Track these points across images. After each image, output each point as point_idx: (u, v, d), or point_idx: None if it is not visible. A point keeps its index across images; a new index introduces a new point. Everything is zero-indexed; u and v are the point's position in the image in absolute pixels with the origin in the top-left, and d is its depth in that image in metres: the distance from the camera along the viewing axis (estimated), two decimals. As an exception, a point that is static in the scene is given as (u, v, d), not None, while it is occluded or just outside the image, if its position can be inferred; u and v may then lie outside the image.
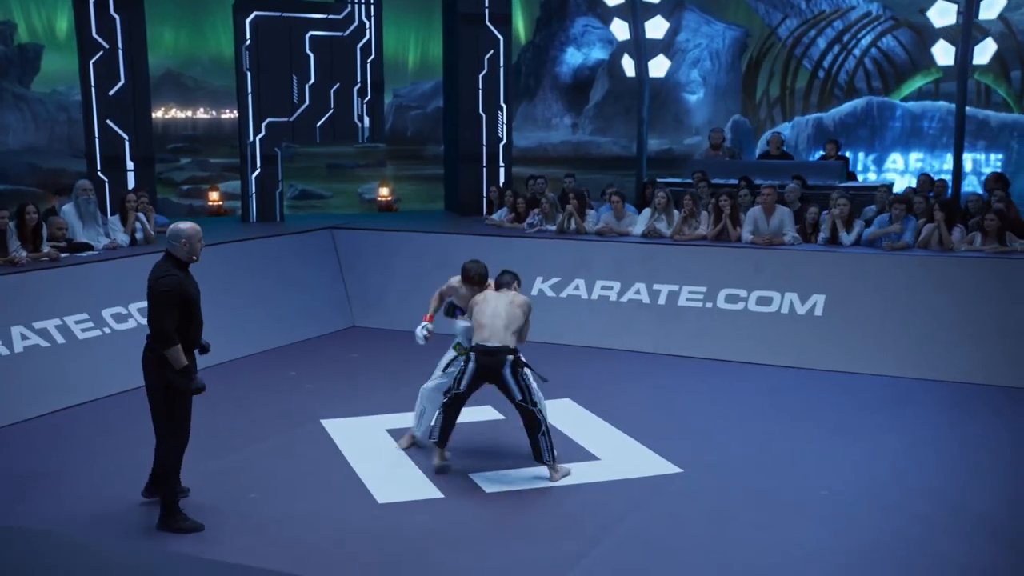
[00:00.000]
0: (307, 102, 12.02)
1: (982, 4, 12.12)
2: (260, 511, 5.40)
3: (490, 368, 5.84)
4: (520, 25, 21.26)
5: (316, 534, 5.10)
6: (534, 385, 5.91)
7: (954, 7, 12.41)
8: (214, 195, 14.20)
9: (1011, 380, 8.02)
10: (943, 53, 12.76)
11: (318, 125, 12.13)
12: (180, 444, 5.15)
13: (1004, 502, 5.54)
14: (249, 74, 11.65)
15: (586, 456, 6.38)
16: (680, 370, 8.69)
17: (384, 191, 16.18)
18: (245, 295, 9.75)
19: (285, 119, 11.97)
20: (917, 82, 17.83)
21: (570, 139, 21.87)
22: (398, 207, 16.48)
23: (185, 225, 5.14)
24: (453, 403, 5.98)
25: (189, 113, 18.94)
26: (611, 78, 21.01)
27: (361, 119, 12.40)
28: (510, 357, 5.83)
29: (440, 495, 5.63)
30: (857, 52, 20.37)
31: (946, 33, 12.93)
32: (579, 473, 6.04)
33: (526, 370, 5.89)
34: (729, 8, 20.50)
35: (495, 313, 5.96)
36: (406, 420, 7.08)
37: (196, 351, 5.21)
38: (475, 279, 6.27)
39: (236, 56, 11.79)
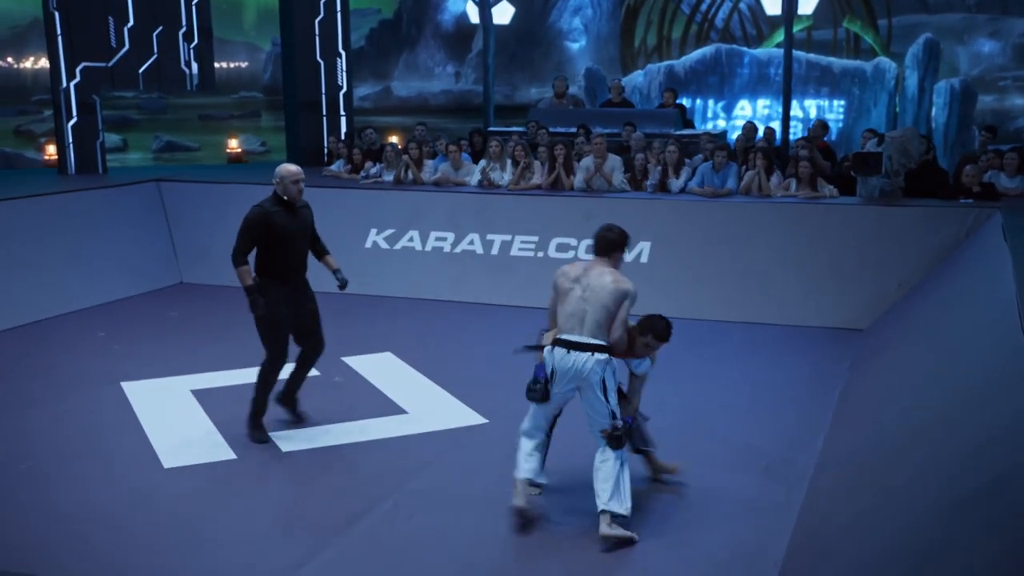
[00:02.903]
0: (127, 46, 11.35)
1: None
2: (35, 479, 5.14)
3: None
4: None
5: (87, 502, 4.88)
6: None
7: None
8: (51, 148, 13.40)
9: (816, 321, 8.41)
10: (771, 3, 13.08)
11: (141, 71, 11.49)
12: (271, 363, 5.61)
13: (774, 435, 5.82)
14: (57, 14, 10.88)
15: (395, 410, 6.35)
16: (508, 320, 8.72)
17: (233, 143, 15.76)
18: (58, 252, 9.24)
19: (103, 64, 11.27)
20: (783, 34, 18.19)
21: (452, 88, 21.44)
22: (248, 159, 16.02)
23: (284, 166, 5.66)
24: None
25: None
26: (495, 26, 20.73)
27: (189, 65, 11.82)
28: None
29: (233, 456, 5.48)
30: (733, -4, 20.63)
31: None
32: (383, 428, 6.00)
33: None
34: (612, -47, 20.24)
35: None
36: (214, 380, 6.90)
37: (287, 281, 5.61)
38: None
39: (43, -6, 11.00)
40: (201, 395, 6.51)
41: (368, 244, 10.16)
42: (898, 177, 9.32)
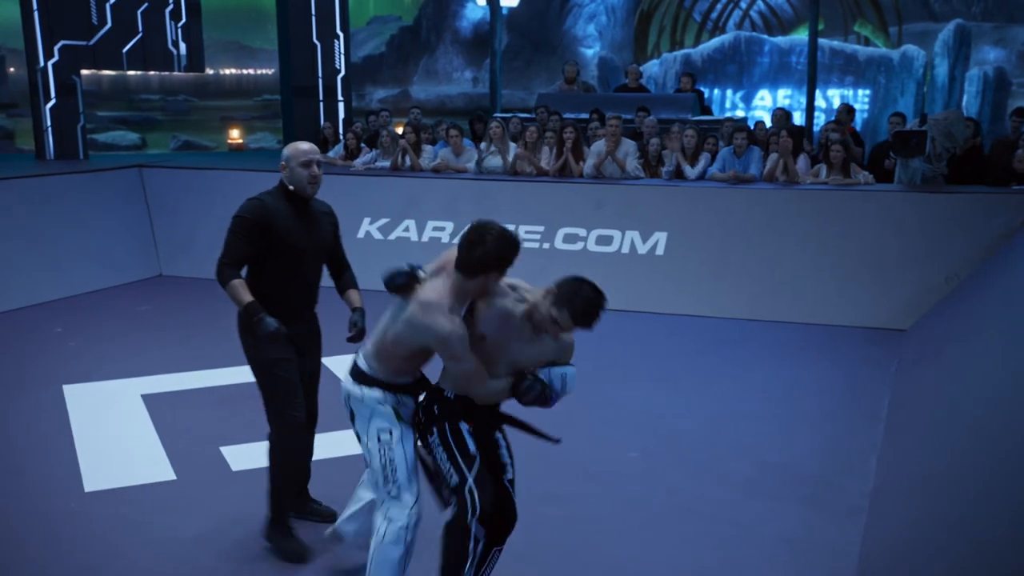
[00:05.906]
0: (109, 24, 10.61)
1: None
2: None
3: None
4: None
5: None
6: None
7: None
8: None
9: (852, 320, 7.55)
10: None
11: (124, 51, 10.74)
12: (286, 428, 3.77)
13: (817, 455, 4.95)
14: (33, -10, 10.19)
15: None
16: (509, 317, 7.91)
17: (235, 133, 15.52)
18: (24, 240, 8.51)
19: (84, 43, 10.53)
20: (800, 35, 17.52)
21: (469, 91, 21.46)
22: (247, 147, 15.63)
23: (293, 144, 3.87)
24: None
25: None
26: (511, 32, 20.17)
27: (176, 45, 11.06)
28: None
29: (172, 477, 4.66)
30: (744, 4, 19.98)
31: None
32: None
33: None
34: (626, -38, 20.18)
35: None
36: (168, 383, 6.11)
37: (292, 318, 3.79)
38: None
39: (17, -32, 10.29)
40: (152, 401, 5.71)
41: (360, 234, 9.37)
42: (940, 162, 8.43)
